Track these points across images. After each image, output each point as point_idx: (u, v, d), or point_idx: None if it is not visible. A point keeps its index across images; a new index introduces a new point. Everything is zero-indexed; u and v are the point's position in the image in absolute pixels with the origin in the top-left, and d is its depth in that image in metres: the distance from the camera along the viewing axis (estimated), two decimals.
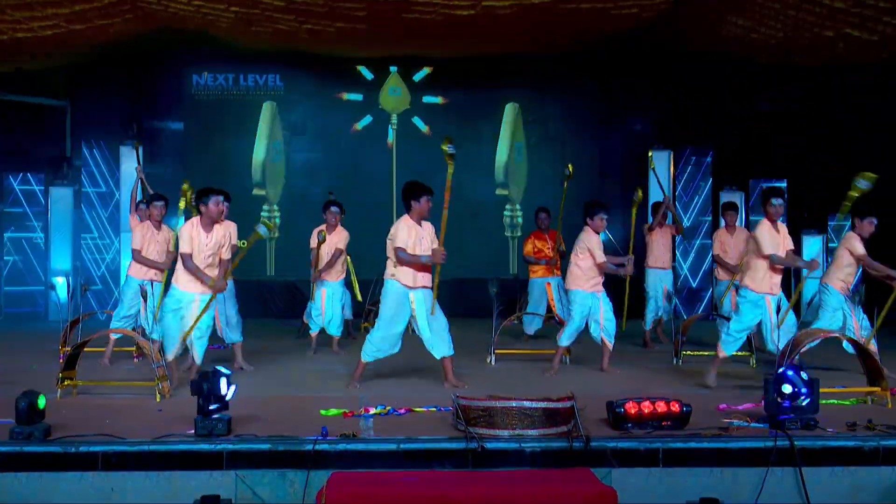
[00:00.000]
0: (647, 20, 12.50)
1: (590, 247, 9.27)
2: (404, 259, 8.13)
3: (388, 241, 8.27)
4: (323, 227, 10.69)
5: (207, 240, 8.19)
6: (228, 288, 9.38)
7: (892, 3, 9.91)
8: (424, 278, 8.27)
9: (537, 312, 11.46)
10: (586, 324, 9.39)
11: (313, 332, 10.90)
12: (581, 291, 9.32)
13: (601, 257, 9.25)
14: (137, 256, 9.49)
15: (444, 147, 8.26)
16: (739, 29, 11.98)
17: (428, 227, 8.36)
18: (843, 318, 9.19)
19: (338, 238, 10.77)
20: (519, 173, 16.62)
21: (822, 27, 11.12)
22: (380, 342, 8.30)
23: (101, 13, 11.81)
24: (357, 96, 16.46)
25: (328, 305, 10.77)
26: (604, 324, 9.33)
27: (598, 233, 9.36)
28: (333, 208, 10.81)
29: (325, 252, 10.68)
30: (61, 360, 9.71)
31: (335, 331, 10.80)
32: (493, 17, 11.81)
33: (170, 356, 8.08)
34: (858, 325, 9.15)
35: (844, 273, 9.23)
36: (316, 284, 10.75)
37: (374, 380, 8.57)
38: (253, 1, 11.41)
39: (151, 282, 9.48)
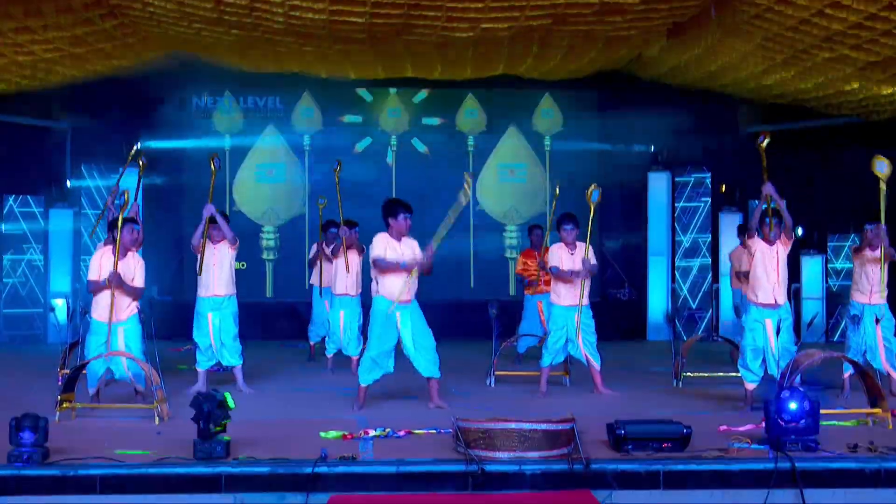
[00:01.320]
0: (645, 44, 12.56)
1: (550, 258, 9.29)
2: (381, 265, 8.13)
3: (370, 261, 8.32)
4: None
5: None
6: (229, 310, 9.39)
7: (889, 24, 9.93)
8: (408, 293, 8.26)
9: (531, 333, 11.42)
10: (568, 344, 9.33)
11: (329, 354, 10.92)
12: (557, 306, 9.30)
13: (551, 263, 9.23)
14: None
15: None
16: (737, 51, 12.02)
17: (409, 243, 8.35)
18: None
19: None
20: (502, 192, 16.64)
21: (820, 48, 11.16)
22: (371, 363, 8.27)
23: (103, 37, 11.86)
24: (356, 118, 16.50)
25: (346, 327, 10.75)
26: (582, 342, 9.22)
27: (568, 243, 9.28)
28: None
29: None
30: (60, 383, 9.72)
31: (354, 351, 10.75)
32: (492, 40, 11.87)
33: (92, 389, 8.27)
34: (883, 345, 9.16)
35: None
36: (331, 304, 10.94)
37: (373, 402, 8.55)
38: (253, 24, 11.45)
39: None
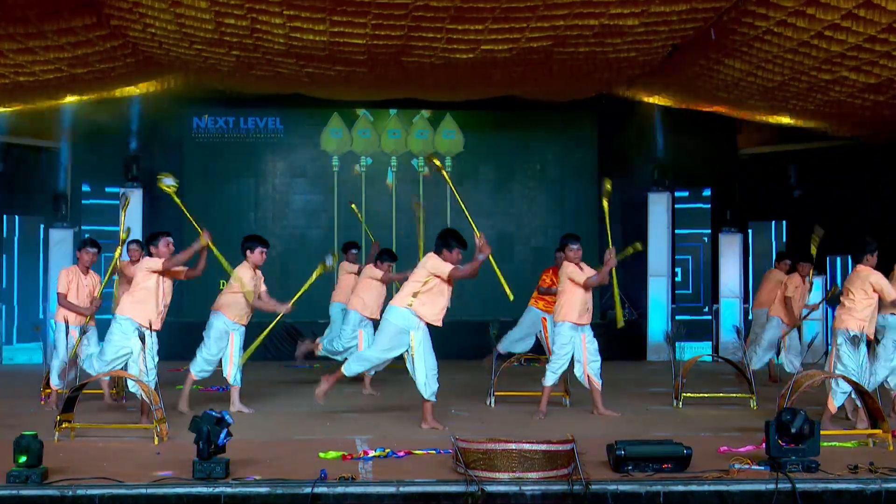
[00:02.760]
0: (644, 65, 12.61)
1: (570, 276, 9.26)
2: (465, 270, 8.25)
3: (421, 270, 8.36)
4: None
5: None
6: (241, 333, 9.57)
7: (889, 47, 9.98)
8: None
9: (519, 340, 11.52)
10: (571, 364, 9.35)
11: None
12: (567, 324, 9.25)
13: (582, 277, 9.19)
14: (63, 301, 9.67)
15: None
16: (737, 72, 12.08)
17: None
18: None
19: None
20: None
21: (819, 70, 11.21)
22: (366, 362, 8.50)
23: (103, 57, 11.91)
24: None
25: (366, 344, 10.75)
26: (587, 363, 9.25)
27: (576, 263, 9.32)
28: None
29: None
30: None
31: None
32: (492, 62, 11.92)
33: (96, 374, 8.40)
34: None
35: None
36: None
37: (373, 422, 8.55)
38: (254, 45, 11.51)
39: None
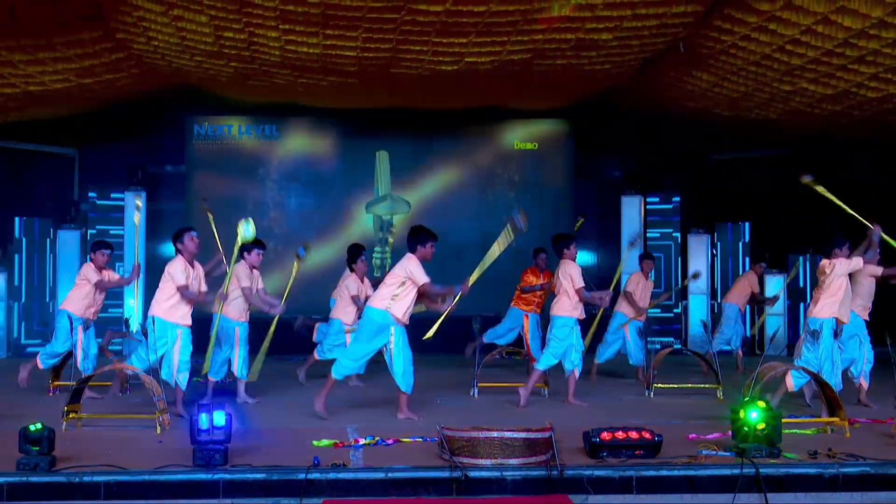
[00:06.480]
0: (618, 76, 12.63)
1: (572, 274, 9.31)
2: (437, 290, 8.21)
3: (399, 270, 8.26)
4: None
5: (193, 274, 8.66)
6: (245, 328, 9.52)
7: (845, 60, 10.04)
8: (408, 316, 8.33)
9: (502, 336, 11.55)
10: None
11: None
12: (565, 317, 9.32)
13: (579, 283, 9.27)
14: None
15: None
16: (704, 83, 12.11)
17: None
18: (858, 344, 9.24)
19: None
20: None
21: (780, 82, 11.26)
22: (353, 361, 8.32)
23: (109, 68, 11.86)
24: None
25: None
26: (574, 356, 9.31)
27: (573, 260, 9.45)
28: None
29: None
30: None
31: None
32: (476, 73, 11.92)
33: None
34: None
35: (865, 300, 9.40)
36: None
37: (363, 412, 8.53)
38: (251, 57, 11.47)
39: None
